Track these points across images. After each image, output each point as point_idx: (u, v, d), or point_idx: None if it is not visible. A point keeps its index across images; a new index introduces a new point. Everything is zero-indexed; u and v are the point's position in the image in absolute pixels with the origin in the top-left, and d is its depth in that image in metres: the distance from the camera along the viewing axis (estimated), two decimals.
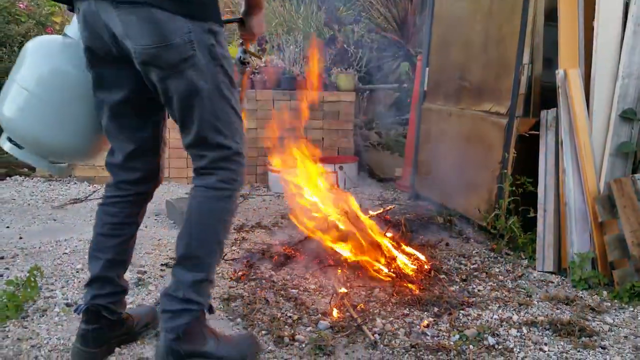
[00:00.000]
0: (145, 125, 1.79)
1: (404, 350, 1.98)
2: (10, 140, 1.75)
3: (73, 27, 1.72)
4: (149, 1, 1.48)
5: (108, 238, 1.83)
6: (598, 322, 2.24)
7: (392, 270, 2.59)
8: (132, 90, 1.68)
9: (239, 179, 1.73)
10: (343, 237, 2.77)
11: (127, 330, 1.93)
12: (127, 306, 2.25)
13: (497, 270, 2.80)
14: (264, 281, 2.54)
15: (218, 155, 1.67)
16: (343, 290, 2.44)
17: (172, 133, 4.47)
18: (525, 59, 3.00)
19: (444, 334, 2.11)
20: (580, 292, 2.54)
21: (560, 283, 2.65)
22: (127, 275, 2.55)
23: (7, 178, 4.46)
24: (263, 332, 2.08)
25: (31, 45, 1.75)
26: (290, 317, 2.20)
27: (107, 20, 1.53)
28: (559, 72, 2.79)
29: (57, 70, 1.70)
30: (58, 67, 1.71)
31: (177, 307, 1.67)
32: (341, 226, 2.81)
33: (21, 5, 5.76)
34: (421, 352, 1.97)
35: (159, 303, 2.24)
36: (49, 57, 1.72)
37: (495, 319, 2.25)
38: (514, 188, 3.02)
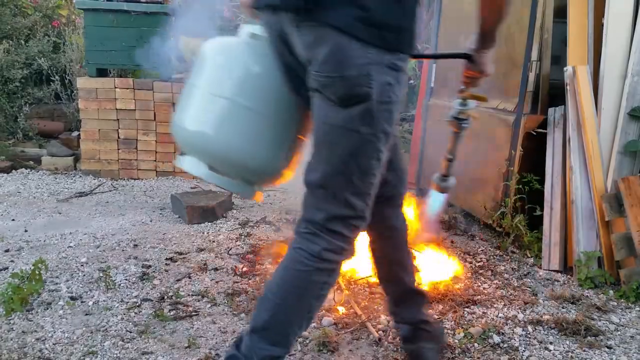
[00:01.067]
0: None
1: None
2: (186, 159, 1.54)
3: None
4: (331, 22, 1.26)
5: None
6: (604, 322, 2.22)
7: None
8: None
9: (349, 248, 1.44)
10: None
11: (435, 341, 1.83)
12: (132, 300, 2.27)
13: (503, 268, 2.78)
14: (268, 276, 2.54)
15: (337, 213, 1.39)
16: (347, 287, 2.44)
17: None
18: (534, 55, 2.98)
19: (449, 331, 2.10)
20: (586, 291, 2.52)
21: (566, 282, 2.64)
22: (132, 269, 2.56)
23: (13, 171, 4.47)
24: None
25: (218, 47, 1.56)
26: None
27: (290, 37, 1.38)
28: (568, 69, 2.76)
29: (258, 75, 1.48)
30: (261, 72, 1.49)
31: None
32: None
33: None
34: None
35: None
36: (248, 59, 1.50)
37: (500, 317, 2.23)
38: (520, 186, 3.00)
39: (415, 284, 1.81)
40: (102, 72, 4.55)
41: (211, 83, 1.50)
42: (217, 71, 1.52)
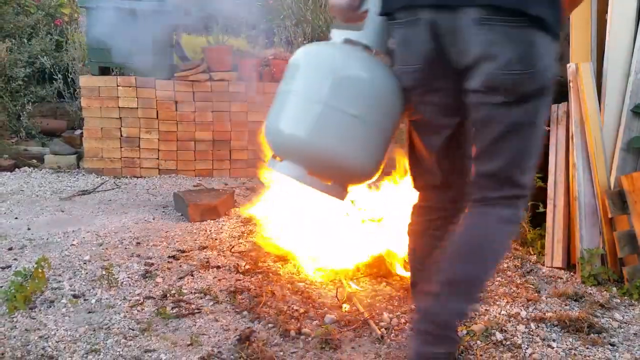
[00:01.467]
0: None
1: None
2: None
3: (367, 34, 1.58)
4: (533, 19, 1.31)
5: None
6: (607, 319, 2.22)
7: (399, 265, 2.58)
8: (461, 116, 1.56)
9: (520, 220, 1.61)
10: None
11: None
12: (134, 298, 2.27)
13: (506, 265, 2.78)
14: (270, 274, 2.54)
15: (511, 194, 1.51)
16: (350, 284, 2.44)
17: (179, 126, 4.48)
18: None
19: None
20: (590, 289, 2.51)
21: (569, 279, 2.63)
22: (135, 267, 2.56)
23: (16, 169, 4.48)
24: (269, 325, 2.08)
25: (314, 53, 1.59)
26: (296, 310, 2.20)
27: (462, 35, 1.37)
28: (571, 66, 2.75)
29: (351, 78, 1.51)
30: (355, 76, 1.52)
31: (438, 332, 1.49)
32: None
33: None
34: None
35: None
36: (344, 64, 1.53)
37: (503, 314, 2.23)
38: None
39: None
40: (104, 71, 4.55)
41: (308, 88, 1.52)
42: (313, 76, 1.54)
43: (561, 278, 2.64)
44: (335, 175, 1.59)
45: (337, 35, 1.61)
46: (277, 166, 1.61)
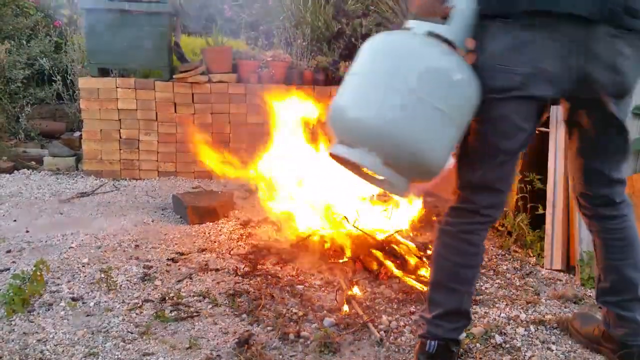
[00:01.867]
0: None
1: (409, 348, 1.97)
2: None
3: (452, 30, 1.54)
4: None
5: (468, 269, 1.75)
6: None
7: (398, 267, 2.57)
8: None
9: None
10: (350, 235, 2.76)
11: None
12: (133, 301, 2.26)
13: (505, 268, 2.77)
14: (269, 277, 2.53)
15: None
16: (349, 287, 2.43)
17: (179, 128, 4.48)
18: None
19: None
20: (589, 291, 2.51)
21: (568, 281, 2.63)
22: (133, 270, 2.56)
23: (15, 171, 4.47)
24: (268, 328, 2.07)
25: (399, 41, 1.55)
26: (295, 313, 2.20)
27: (593, 46, 1.46)
28: None
29: (434, 71, 1.48)
30: (441, 68, 1.49)
31: None
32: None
33: None
34: None
35: None
36: (432, 57, 1.49)
37: (502, 317, 2.23)
38: (522, 185, 2.99)
39: (470, 308, 1.83)
40: (103, 72, 4.55)
41: (393, 76, 1.48)
42: (398, 64, 1.49)
43: (560, 280, 2.63)
44: (406, 168, 1.53)
45: (419, 26, 1.56)
46: (343, 151, 1.54)
